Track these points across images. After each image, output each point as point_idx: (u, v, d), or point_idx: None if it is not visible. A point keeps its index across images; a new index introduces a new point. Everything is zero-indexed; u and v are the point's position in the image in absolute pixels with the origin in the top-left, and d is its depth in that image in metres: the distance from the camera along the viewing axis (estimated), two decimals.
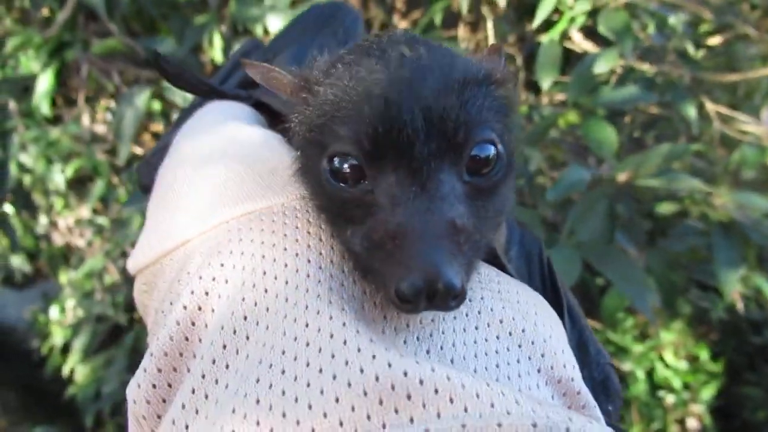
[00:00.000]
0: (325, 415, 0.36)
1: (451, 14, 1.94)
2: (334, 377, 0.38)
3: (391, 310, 0.44)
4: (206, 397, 0.42)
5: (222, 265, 0.48)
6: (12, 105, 2.24)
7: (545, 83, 1.55)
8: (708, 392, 2.87)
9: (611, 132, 1.40)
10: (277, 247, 0.48)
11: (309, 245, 0.48)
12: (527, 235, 0.73)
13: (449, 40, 1.70)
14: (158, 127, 2.44)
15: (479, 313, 0.47)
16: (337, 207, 0.47)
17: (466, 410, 0.36)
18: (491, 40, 1.76)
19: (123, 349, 2.35)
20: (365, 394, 0.37)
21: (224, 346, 0.43)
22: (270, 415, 0.37)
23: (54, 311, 2.79)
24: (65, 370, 2.59)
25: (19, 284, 3.41)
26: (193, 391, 0.43)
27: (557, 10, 1.68)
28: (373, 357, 0.38)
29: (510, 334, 0.46)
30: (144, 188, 0.72)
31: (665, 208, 1.91)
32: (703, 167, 2.12)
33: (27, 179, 2.37)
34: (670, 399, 2.88)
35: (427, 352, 0.43)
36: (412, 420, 0.36)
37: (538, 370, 0.46)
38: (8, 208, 2.44)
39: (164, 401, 0.47)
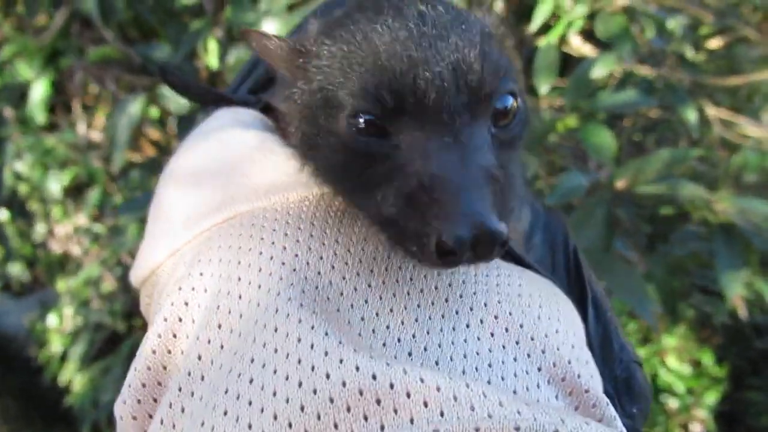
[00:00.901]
0: (290, 426, 0.35)
1: None
2: (300, 384, 0.36)
3: (370, 310, 0.42)
4: (182, 410, 0.41)
5: (201, 274, 0.47)
6: (8, 112, 2.24)
7: (543, 88, 1.54)
8: (711, 397, 2.84)
9: (610, 136, 1.39)
10: (252, 252, 0.47)
11: (285, 247, 0.46)
12: (553, 220, 0.69)
13: None
14: (154, 133, 2.43)
15: (471, 309, 0.44)
16: (362, 168, 0.45)
17: (442, 414, 0.34)
18: None
19: (120, 358, 2.34)
20: (331, 401, 0.35)
21: (199, 357, 0.42)
22: (236, 427, 0.36)
23: (52, 319, 2.78)
24: (63, 379, 2.58)
25: (17, 292, 3.40)
26: (170, 405, 0.42)
27: (555, 14, 1.66)
28: (341, 361, 0.37)
29: (506, 330, 0.44)
30: None
31: (666, 212, 1.89)
32: (704, 171, 2.11)
33: (23, 187, 2.36)
34: (673, 404, 2.86)
35: (409, 354, 0.40)
36: (382, 428, 0.34)
37: (539, 369, 0.43)
38: (3, 216, 2.43)
39: (150, 416, 0.45)
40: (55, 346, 2.76)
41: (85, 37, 2.11)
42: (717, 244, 1.53)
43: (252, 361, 0.39)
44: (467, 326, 0.43)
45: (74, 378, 2.53)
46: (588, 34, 1.77)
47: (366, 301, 0.43)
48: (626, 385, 0.57)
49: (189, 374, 0.42)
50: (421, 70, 0.43)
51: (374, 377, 0.36)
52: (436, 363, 0.40)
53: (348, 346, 0.38)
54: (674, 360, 2.90)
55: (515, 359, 0.42)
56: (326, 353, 0.37)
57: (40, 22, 2.21)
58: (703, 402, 2.86)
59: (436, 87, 0.43)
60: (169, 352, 0.46)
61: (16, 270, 3.07)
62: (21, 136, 2.21)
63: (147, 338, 0.47)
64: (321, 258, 0.45)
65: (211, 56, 1.84)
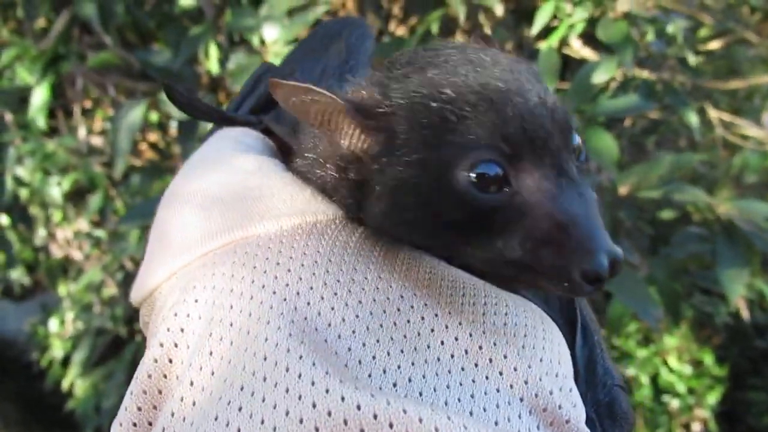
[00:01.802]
0: None
1: (448, 21, 1.93)
2: (287, 413, 0.37)
3: (357, 342, 0.43)
4: None
5: (196, 300, 0.47)
6: (8, 117, 2.24)
7: None
8: (713, 397, 2.85)
9: (611, 140, 1.39)
10: (245, 280, 0.47)
11: (276, 276, 0.47)
12: None
13: None
14: (156, 138, 2.43)
15: (456, 340, 0.45)
16: (480, 220, 0.46)
17: None
18: None
19: (123, 363, 2.34)
20: (317, 430, 0.36)
21: (191, 383, 0.43)
22: None
23: (53, 324, 2.78)
24: (65, 384, 2.58)
25: (18, 296, 3.40)
26: (163, 430, 0.42)
27: (555, 17, 1.66)
28: (327, 391, 0.37)
29: (490, 361, 0.44)
30: None
31: (667, 215, 1.89)
32: (704, 172, 2.11)
33: (24, 192, 2.36)
34: (674, 404, 2.86)
35: (394, 385, 0.41)
36: None
37: (521, 399, 0.43)
38: (4, 221, 2.43)
39: None
40: (56, 350, 2.76)
41: (85, 42, 2.11)
42: (719, 245, 1.53)
43: (241, 389, 0.40)
44: (452, 357, 0.43)
45: (76, 383, 2.53)
46: (588, 37, 1.77)
47: (353, 332, 0.43)
48: (609, 409, 0.58)
49: (181, 400, 0.43)
50: (531, 114, 0.45)
51: (359, 407, 0.36)
52: (420, 394, 0.40)
53: (334, 377, 0.39)
54: (675, 360, 2.90)
55: (498, 390, 0.43)
56: (313, 383, 0.38)
57: (40, 27, 2.21)
58: (705, 402, 2.86)
59: (545, 129, 0.45)
60: (165, 376, 0.46)
61: (17, 274, 3.07)
62: (21, 142, 2.20)
63: (143, 362, 0.47)
64: (311, 288, 0.46)
65: (211, 61, 1.84)
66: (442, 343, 0.44)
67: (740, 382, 2.91)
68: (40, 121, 2.06)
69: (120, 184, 2.23)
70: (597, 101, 1.43)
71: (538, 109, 0.45)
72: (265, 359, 0.41)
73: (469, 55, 0.48)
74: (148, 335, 0.57)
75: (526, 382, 0.44)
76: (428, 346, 0.44)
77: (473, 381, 0.42)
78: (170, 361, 0.46)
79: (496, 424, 0.40)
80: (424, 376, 0.42)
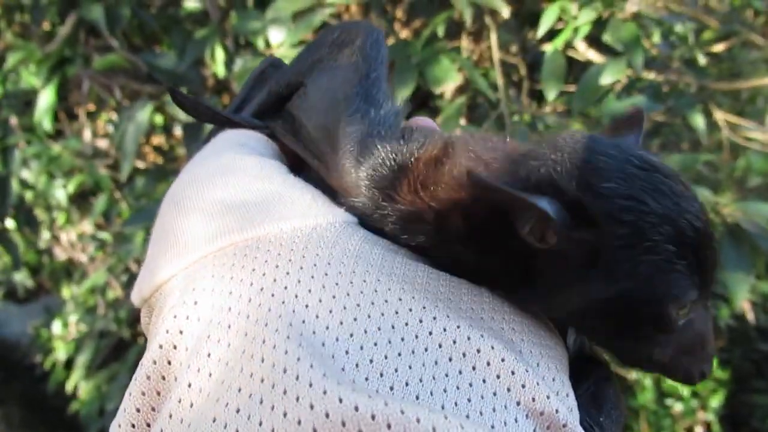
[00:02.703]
0: None
1: (454, 24, 1.93)
2: (285, 415, 0.37)
3: (355, 344, 0.43)
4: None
5: (195, 302, 0.47)
6: (13, 120, 2.24)
7: (551, 94, 1.54)
8: (716, 400, 2.84)
9: None
10: (244, 282, 0.47)
11: (275, 279, 0.47)
12: None
13: (452, 51, 1.69)
14: (160, 140, 2.44)
15: (454, 342, 0.45)
16: (663, 339, 0.52)
17: None
18: (494, 50, 1.75)
19: (127, 365, 2.34)
20: (315, 431, 0.36)
21: (189, 384, 0.43)
22: None
23: (57, 326, 2.77)
24: (69, 386, 2.57)
25: (21, 299, 3.40)
26: (162, 431, 0.43)
27: (561, 19, 1.67)
28: (324, 393, 0.37)
29: (488, 364, 0.44)
30: None
31: None
32: (708, 175, 2.11)
33: (29, 195, 2.36)
34: (678, 407, 2.86)
35: (391, 388, 0.41)
36: None
37: (518, 403, 0.43)
38: (10, 224, 2.43)
39: None
40: (60, 353, 2.76)
41: (91, 45, 2.12)
42: (724, 247, 1.53)
43: (239, 390, 0.40)
44: (450, 360, 0.43)
45: (79, 385, 2.53)
46: (593, 39, 1.78)
47: (351, 335, 0.43)
48: (592, 397, 0.58)
49: (179, 401, 0.43)
50: (714, 254, 0.51)
51: (356, 409, 0.37)
52: (417, 398, 0.41)
53: (332, 379, 0.39)
54: None
55: (494, 393, 0.43)
56: (311, 385, 0.38)
57: (46, 30, 2.21)
58: (708, 405, 2.86)
59: (717, 264, 0.51)
60: (164, 378, 0.46)
61: (21, 277, 3.07)
62: (27, 144, 2.21)
63: (142, 364, 0.47)
64: (309, 291, 0.46)
65: (217, 64, 1.85)
66: (440, 346, 0.44)
67: (744, 385, 2.91)
68: (46, 124, 2.06)
69: (125, 186, 2.24)
70: (603, 103, 1.43)
71: (715, 244, 0.51)
72: (262, 361, 0.41)
73: (674, 179, 0.51)
74: (148, 337, 0.57)
75: (523, 386, 0.44)
76: (426, 349, 0.44)
77: (470, 384, 0.42)
78: (169, 362, 0.46)
79: (493, 427, 0.41)
80: (421, 380, 0.42)
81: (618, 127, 0.58)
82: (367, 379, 0.41)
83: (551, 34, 1.72)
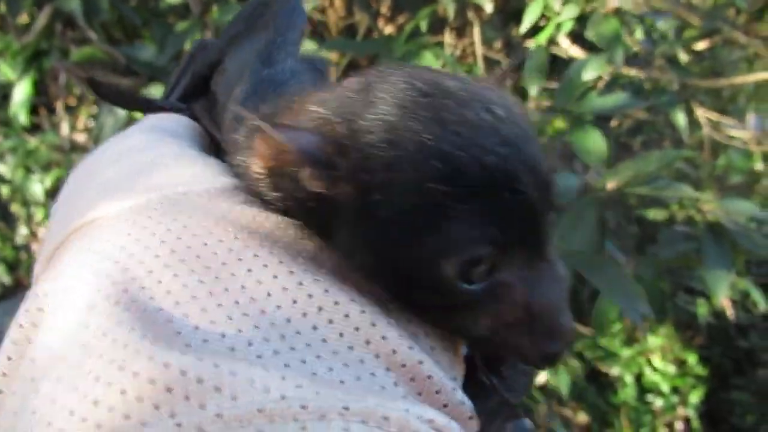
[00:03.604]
0: (98, 427, 0.35)
1: (437, 19, 1.92)
2: (109, 385, 0.37)
3: (195, 307, 0.41)
4: (15, 414, 0.41)
5: (55, 278, 0.47)
6: None
7: (533, 90, 1.54)
8: (696, 396, 2.87)
9: (600, 139, 1.39)
10: (97, 253, 0.46)
11: (123, 246, 0.46)
12: None
13: (436, 46, 1.68)
14: None
15: (310, 297, 0.43)
16: (460, 305, 0.43)
17: (234, 399, 0.35)
18: (478, 46, 1.74)
19: None
20: (140, 399, 0.36)
21: (32, 360, 0.43)
22: (49, 428, 0.37)
23: None
24: None
25: None
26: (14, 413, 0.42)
27: (544, 15, 1.67)
28: (150, 358, 0.37)
29: (346, 317, 0.42)
30: None
31: (655, 215, 1.90)
32: (689, 173, 2.13)
33: (5, 190, 2.32)
34: (658, 403, 2.88)
35: (231, 349, 0.39)
36: (173, 415, 0.35)
37: (377, 356, 0.41)
38: None
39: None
40: None
41: (68, 37, 2.08)
42: (705, 244, 1.54)
43: (66, 360, 0.40)
44: (303, 315, 0.41)
45: None
46: (576, 36, 1.78)
47: (194, 297, 0.41)
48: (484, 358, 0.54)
49: (32, 380, 0.42)
50: (531, 200, 0.41)
51: (166, 366, 0.36)
52: (259, 357, 0.39)
53: (160, 344, 0.38)
54: (659, 360, 2.92)
55: (351, 347, 0.41)
56: (137, 352, 0.38)
57: (22, 22, 2.17)
58: (688, 401, 2.88)
59: (540, 214, 0.42)
60: (21, 357, 0.46)
61: None
62: (3, 138, 2.17)
63: (3, 345, 0.47)
64: (157, 256, 0.44)
65: None
66: (294, 302, 0.42)
67: (723, 382, 2.94)
68: (22, 118, 2.02)
69: None
70: (585, 99, 1.43)
71: (534, 191, 0.41)
72: (94, 331, 0.40)
73: (477, 116, 0.42)
74: None
75: (384, 338, 0.41)
76: (278, 307, 0.42)
77: (323, 341, 0.41)
78: (29, 341, 0.45)
79: (342, 382, 0.39)
80: (266, 339, 0.40)
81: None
82: (205, 341, 0.39)
83: (535, 31, 1.72)
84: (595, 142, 1.38)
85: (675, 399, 2.90)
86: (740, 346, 2.94)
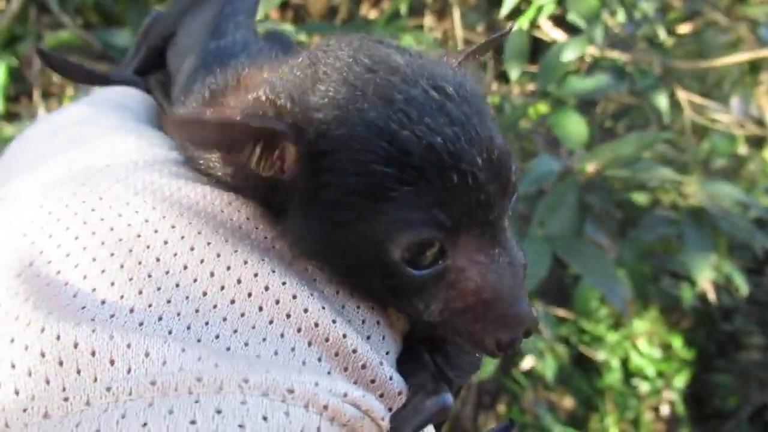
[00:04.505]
0: None
1: (418, 2, 1.90)
2: (0, 360, 0.36)
3: (104, 281, 0.40)
4: None
5: None
6: None
7: (514, 73, 1.52)
8: (680, 380, 2.89)
9: (580, 122, 1.38)
10: (11, 228, 0.46)
11: (33, 220, 0.45)
12: None
13: (415, 29, 1.66)
14: None
15: (228, 269, 0.41)
16: (409, 289, 0.42)
17: (129, 371, 0.35)
18: (458, 29, 1.72)
19: None
20: (30, 373, 0.35)
21: None
22: None
23: None
24: None
25: None
26: None
27: None
28: (41, 330, 0.36)
29: (266, 289, 0.41)
30: None
31: (638, 198, 1.90)
32: (673, 156, 2.13)
33: None
34: (644, 387, 2.90)
35: (140, 324, 0.38)
36: (63, 389, 0.34)
37: (299, 330, 0.40)
38: None
39: None
40: None
41: (43, 22, 2.04)
42: (686, 228, 1.54)
43: None
44: (222, 288, 0.40)
45: None
46: (558, 20, 1.76)
47: (103, 271, 0.40)
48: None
49: None
50: (477, 182, 0.40)
51: (76, 345, 0.35)
52: (170, 333, 0.38)
53: (54, 316, 0.37)
54: (645, 344, 2.94)
55: (271, 322, 0.40)
56: (28, 324, 0.37)
57: None
58: (673, 384, 2.91)
59: (489, 197, 0.41)
60: None
61: None
62: None
63: None
64: (67, 228, 0.43)
65: None
66: (212, 274, 0.41)
67: (707, 365, 2.96)
68: None
69: None
70: (566, 82, 1.41)
71: (485, 172, 0.40)
72: (6, 314, 0.39)
73: (422, 95, 0.40)
74: None
75: (306, 311, 0.40)
76: (195, 280, 0.40)
77: (242, 315, 0.39)
78: None
79: (258, 357, 0.38)
80: (178, 314, 0.39)
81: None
82: (112, 316, 0.38)
83: (519, 14, 1.70)
84: (575, 125, 1.37)
85: (660, 383, 2.92)
86: (724, 330, 2.96)
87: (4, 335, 0.37)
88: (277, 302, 0.40)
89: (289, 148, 0.41)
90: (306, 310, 0.40)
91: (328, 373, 0.39)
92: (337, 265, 0.44)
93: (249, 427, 0.33)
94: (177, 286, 0.40)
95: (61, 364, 0.35)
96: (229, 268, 0.41)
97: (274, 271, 0.41)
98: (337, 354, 0.40)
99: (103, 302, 0.39)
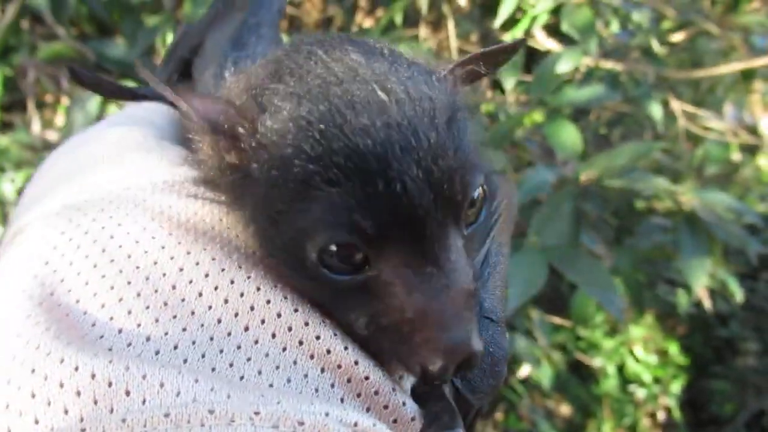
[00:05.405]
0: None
1: (413, 12, 1.91)
2: (20, 388, 0.37)
3: (121, 310, 0.40)
4: None
5: None
6: None
7: (508, 83, 1.53)
8: (677, 386, 2.89)
9: (575, 132, 1.38)
10: (10, 261, 0.46)
11: (55, 246, 0.45)
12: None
13: (411, 40, 1.66)
14: None
15: (242, 296, 0.42)
16: (336, 296, 0.41)
17: (144, 402, 0.35)
18: (452, 39, 1.73)
19: None
20: (49, 403, 0.36)
21: None
22: None
23: None
24: None
25: None
26: None
27: (520, 8, 1.66)
28: (61, 361, 0.37)
29: (278, 315, 0.41)
30: None
31: (631, 206, 1.90)
32: (667, 164, 2.13)
33: None
34: (640, 393, 2.90)
35: (156, 352, 0.39)
36: (81, 419, 0.35)
37: (311, 356, 0.40)
38: None
39: None
40: None
41: (37, 33, 2.04)
42: (681, 235, 1.54)
43: None
44: (236, 315, 0.40)
45: None
46: (552, 29, 1.77)
47: (120, 299, 0.41)
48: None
49: None
50: (408, 190, 0.37)
51: (93, 376, 0.36)
52: (185, 361, 0.38)
53: (73, 347, 0.38)
54: (641, 350, 2.94)
55: (284, 349, 0.40)
56: (49, 354, 0.37)
57: None
58: (669, 391, 2.91)
59: (423, 208, 0.38)
60: None
61: None
62: None
63: None
64: (87, 256, 0.44)
65: None
66: (226, 301, 0.41)
67: (703, 371, 2.96)
68: None
69: None
70: (561, 92, 1.42)
71: (421, 183, 0.37)
72: (11, 333, 0.40)
73: (361, 90, 0.39)
74: None
75: (318, 337, 0.40)
76: (210, 307, 0.41)
77: (256, 342, 0.39)
78: None
79: (271, 385, 0.38)
80: (193, 343, 0.39)
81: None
82: (129, 344, 0.38)
83: (512, 23, 1.70)
84: (570, 134, 1.37)
85: (657, 389, 2.92)
86: (720, 336, 2.97)
87: (25, 364, 0.37)
88: (290, 329, 0.40)
89: (245, 141, 0.41)
90: (318, 337, 0.40)
91: (341, 400, 0.39)
92: (280, 266, 0.43)
93: None
94: (192, 314, 0.40)
95: (78, 394, 0.35)
96: (242, 294, 0.41)
97: (286, 298, 0.42)
98: (349, 380, 0.40)
99: (120, 331, 0.39)
